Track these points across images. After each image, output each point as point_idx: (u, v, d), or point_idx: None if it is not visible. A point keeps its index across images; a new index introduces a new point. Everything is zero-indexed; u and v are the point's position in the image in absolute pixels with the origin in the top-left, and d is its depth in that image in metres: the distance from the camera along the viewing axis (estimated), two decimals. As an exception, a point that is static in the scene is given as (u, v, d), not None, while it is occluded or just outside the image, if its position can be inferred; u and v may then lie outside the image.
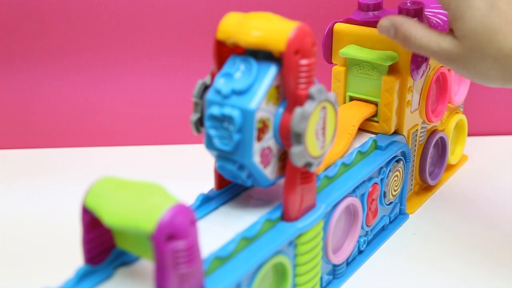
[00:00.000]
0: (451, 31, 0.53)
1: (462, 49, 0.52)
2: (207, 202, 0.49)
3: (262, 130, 0.45)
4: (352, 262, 0.58)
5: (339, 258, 0.55)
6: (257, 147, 0.45)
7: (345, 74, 0.63)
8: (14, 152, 0.81)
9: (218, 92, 0.45)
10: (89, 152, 0.81)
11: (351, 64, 0.62)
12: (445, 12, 0.66)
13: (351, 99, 0.63)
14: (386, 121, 0.62)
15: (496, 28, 0.50)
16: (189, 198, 0.48)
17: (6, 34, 0.77)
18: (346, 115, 0.60)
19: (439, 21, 0.65)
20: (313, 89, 0.45)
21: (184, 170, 0.75)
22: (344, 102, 0.64)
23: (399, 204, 0.65)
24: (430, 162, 0.69)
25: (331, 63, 0.65)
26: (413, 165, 0.67)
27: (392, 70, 0.61)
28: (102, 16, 0.77)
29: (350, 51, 0.62)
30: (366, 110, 0.61)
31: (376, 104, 0.62)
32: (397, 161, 0.61)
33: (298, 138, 0.45)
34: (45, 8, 0.76)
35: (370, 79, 0.62)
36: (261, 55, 0.45)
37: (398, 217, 0.65)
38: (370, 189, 0.57)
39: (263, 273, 0.45)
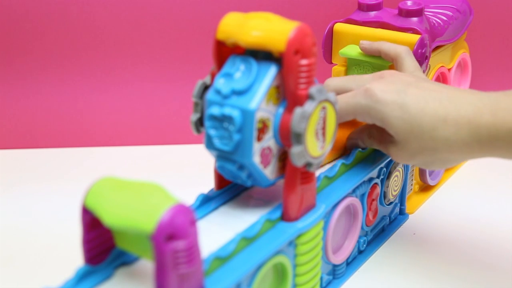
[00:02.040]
0: (389, 136, 0.53)
1: (401, 147, 0.52)
2: (207, 202, 0.49)
3: (262, 130, 0.45)
4: (352, 262, 0.58)
5: (339, 258, 0.55)
6: (257, 147, 0.45)
7: (345, 74, 0.63)
8: (14, 152, 0.81)
9: (218, 92, 0.45)
10: (89, 152, 0.81)
11: (351, 64, 0.62)
12: (446, 12, 0.66)
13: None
14: (386, 121, 0.61)
15: (419, 111, 0.49)
16: (189, 198, 0.48)
17: (7, 35, 0.77)
18: (347, 123, 0.60)
19: (439, 21, 0.65)
20: (313, 89, 0.45)
21: (184, 170, 0.75)
22: None
23: (399, 204, 0.65)
24: (430, 162, 0.69)
25: (331, 63, 0.65)
26: (413, 165, 0.66)
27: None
28: (103, 17, 0.77)
29: (350, 51, 0.62)
30: None
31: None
32: (397, 161, 0.61)
33: (298, 138, 0.45)
34: (48, 10, 0.76)
35: None
36: (261, 55, 0.45)
37: (398, 217, 0.65)
38: (370, 189, 0.57)
39: (263, 273, 0.45)
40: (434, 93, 0.50)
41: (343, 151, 0.58)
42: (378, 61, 0.60)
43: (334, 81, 0.55)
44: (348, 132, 0.58)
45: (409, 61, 0.57)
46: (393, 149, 0.53)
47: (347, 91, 0.54)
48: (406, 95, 0.50)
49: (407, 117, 0.50)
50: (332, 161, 0.56)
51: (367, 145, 0.57)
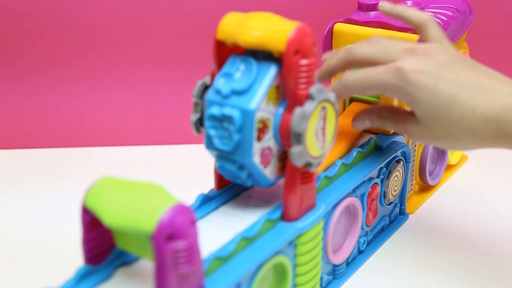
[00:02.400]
0: (412, 115, 0.52)
1: (425, 129, 0.51)
2: (207, 202, 0.49)
3: (262, 130, 0.45)
4: (352, 262, 0.58)
5: (339, 258, 0.55)
6: (257, 147, 0.45)
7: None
8: (14, 152, 0.81)
9: (218, 92, 0.45)
10: (89, 152, 0.81)
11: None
12: (446, 12, 0.66)
13: (351, 99, 0.63)
14: (386, 121, 0.61)
15: (449, 99, 0.49)
16: (189, 198, 0.48)
17: (8, 36, 0.77)
18: (347, 121, 0.60)
19: (439, 21, 0.65)
20: (313, 89, 0.45)
21: (184, 170, 0.75)
22: (344, 103, 0.64)
23: (399, 204, 0.65)
24: (430, 162, 0.69)
25: (331, 63, 0.65)
26: (413, 165, 0.67)
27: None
28: (103, 17, 0.77)
29: None
30: None
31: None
32: (397, 161, 0.61)
33: (298, 138, 0.45)
34: (49, 11, 0.76)
35: None
36: (261, 55, 0.45)
37: (398, 217, 0.65)
38: (370, 189, 0.57)
39: (263, 273, 0.45)
40: (466, 80, 0.49)
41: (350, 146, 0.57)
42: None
43: (362, 50, 0.53)
44: (348, 133, 0.59)
45: (434, 30, 0.55)
46: (413, 128, 0.52)
47: (375, 63, 0.52)
48: (439, 79, 0.49)
49: (437, 104, 0.49)
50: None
51: (376, 126, 0.56)
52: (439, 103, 0.49)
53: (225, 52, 0.47)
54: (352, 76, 0.52)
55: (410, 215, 0.66)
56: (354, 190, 0.55)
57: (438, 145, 0.52)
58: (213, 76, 0.47)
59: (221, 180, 0.51)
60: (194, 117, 0.48)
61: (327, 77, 0.55)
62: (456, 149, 0.52)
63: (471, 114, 0.48)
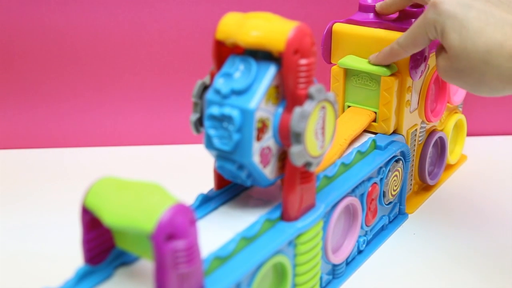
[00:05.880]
0: (442, 48, 0.53)
1: (452, 62, 0.51)
2: (206, 202, 0.49)
3: (262, 130, 0.45)
4: (351, 262, 0.58)
5: (338, 258, 0.55)
6: (256, 147, 0.45)
7: (344, 76, 0.63)
8: (14, 152, 0.81)
9: (217, 92, 0.45)
10: (89, 152, 0.81)
11: (350, 74, 0.63)
12: None
13: (349, 106, 0.64)
14: (385, 121, 0.62)
15: (478, 29, 0.49)
16: (189, 198, 0.48)
17: (9, 40, 0.77)
18: (347, 121, 0.60)
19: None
20: (312, 89, 0.45)
21: (184, 170, 0.75)
22: (343, 110, 0.64)
23: (398, 204, 0.65)
24: (429, 162, 0.70)
25: (330, 63, 0.65)
26: (412, 165, 0.67)
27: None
28: (102, 18, 0.77)
29: (349, 61, 0.62)
30: (362, 123, 0.61)
31: (374, 113, 0.62)
32: (397, 161, 0.61)
33: (298, 137, 0.45)
34: (51, 14, 0.76)
35: (369, 89, 0.62)
36: (260, 55, 0.45)
37: (397, 217, 0.65)
38: (370, 189, 0.57)
39: (262, 273, 0.45)
40: (498, 15, 0.49)
41: None
42: (377, 72, 0.60)
43: None
44: (347, 133, 0.59)
45: None
46: (442, 61, 0.52)
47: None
48: (470, 10, 0.49)
49: (464, 34, 0.49)
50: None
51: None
52: (466, 34, 0.49)
53: (224, 52, 0.47)
54: (402, 36, 0.56)
55: (409, 215, 0.66)
56: (353, 190, 0.55)
57: (462, 84, 0.52)
58: (212, 76, 0.47)
59: (220, 180, 0.51)
60: (194, 117, 0.48)
61: (388, 8, 0.61)
62: (482, 90, 0.51)
63: (498, 48, 0.48)
